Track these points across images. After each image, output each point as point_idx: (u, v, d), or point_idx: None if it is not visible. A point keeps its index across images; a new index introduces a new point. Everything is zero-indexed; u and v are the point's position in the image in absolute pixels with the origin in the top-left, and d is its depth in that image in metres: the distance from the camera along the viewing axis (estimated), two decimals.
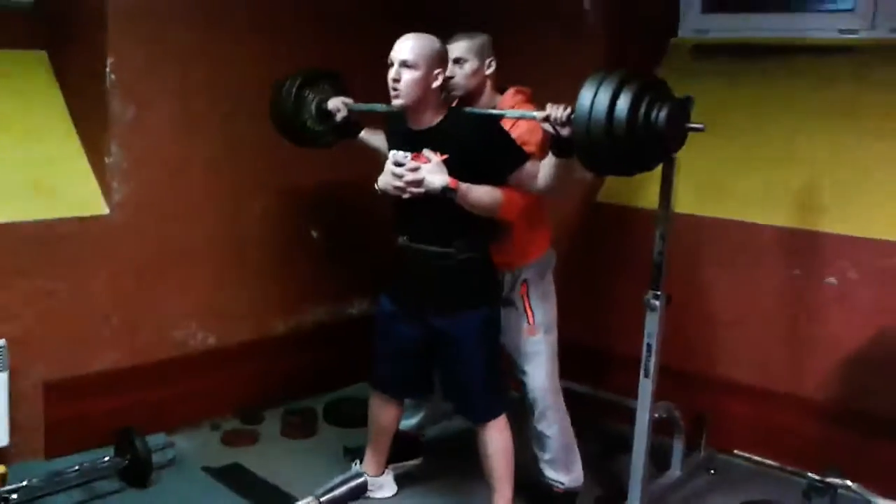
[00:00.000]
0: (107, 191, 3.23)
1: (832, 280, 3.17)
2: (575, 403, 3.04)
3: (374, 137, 3.02)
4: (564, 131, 2.41)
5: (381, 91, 2.65)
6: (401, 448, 3.20)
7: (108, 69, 3.14)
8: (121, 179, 3.23)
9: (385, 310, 2.87)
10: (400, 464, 3.22)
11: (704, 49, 3.76)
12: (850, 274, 3.12)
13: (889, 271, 3.03)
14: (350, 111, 3.02)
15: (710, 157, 3.36)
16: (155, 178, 3.34)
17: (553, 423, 2.92)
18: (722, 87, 3.57)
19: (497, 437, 2.78)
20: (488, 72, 2.77)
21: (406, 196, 2.56)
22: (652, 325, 2.78)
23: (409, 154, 2.61)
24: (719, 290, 3.44)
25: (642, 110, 2.27)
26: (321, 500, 1.29)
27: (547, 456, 2.96)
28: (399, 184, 2.55)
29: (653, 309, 2.77)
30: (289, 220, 3.79)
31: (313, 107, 3.08)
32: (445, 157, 2.55)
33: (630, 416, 2.90)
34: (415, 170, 2.53)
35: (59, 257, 3.11)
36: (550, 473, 2.98)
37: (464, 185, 2.52)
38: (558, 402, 2.95)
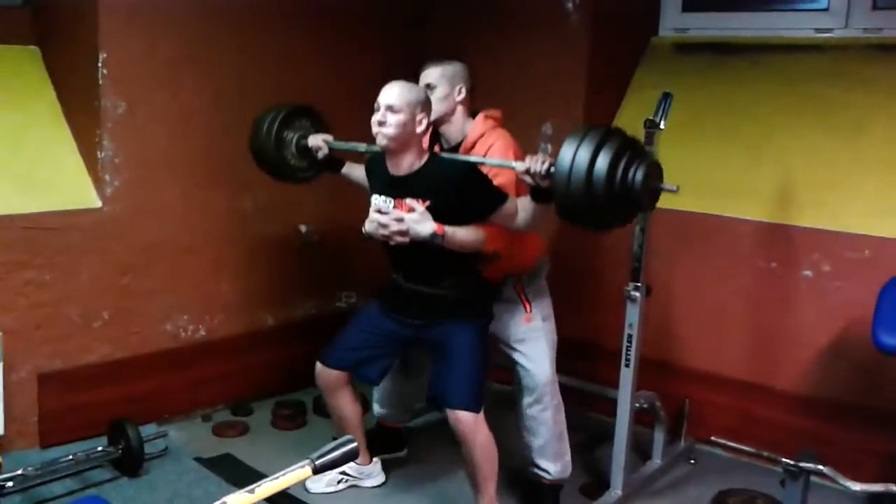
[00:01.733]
0: (99, 184, 3.26)
1: (808, 273, 3.26)
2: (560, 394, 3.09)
3: (355, 171, 3.05)
4: (544, 183, 2.46)
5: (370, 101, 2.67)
6: (385, 441, 3.25)
7: (100, 64, 3.17)
8: (113, 173, 3.27)
9: (374, 310, 2.90)
10: (386, 455, 3.26)
11: (684, 47, 3.83)
12: (824, 267, 3.21)
13: (861, 264, 3.11)
14: (331, 149, 3.06)
15: (688, 152, 3.44)
16: (147, 172, 3.37)
17: (548, 408, 2.91)
18: (701, 84, 3.64)
19: (480, 442, 2.72)
20: (459, 98, 2.81)
21: (392, 244, 2.59)
22: (633, 315, 2.86)
23: (391, 201, 2.64)
24: (699, 283, 3.51)
25: (620, 170, 2.32)
26: (316, 462, 1.35)
27: (538, 443, 2.94)
28: (385, 232, 2.57)
29: (633, 300, 2.85)
30: (278, 214, 3.83)
31: (293, 145, 3.10)
32: (427, 203, 2.58)
33: (612, 407, 2.98)
34: (399, 220, 2.54)
35: (52, 250, 3.15)
36: (540, 462, 2.96)
37: (449, 230, 2.54)
38: (555, 389, 2.94)
